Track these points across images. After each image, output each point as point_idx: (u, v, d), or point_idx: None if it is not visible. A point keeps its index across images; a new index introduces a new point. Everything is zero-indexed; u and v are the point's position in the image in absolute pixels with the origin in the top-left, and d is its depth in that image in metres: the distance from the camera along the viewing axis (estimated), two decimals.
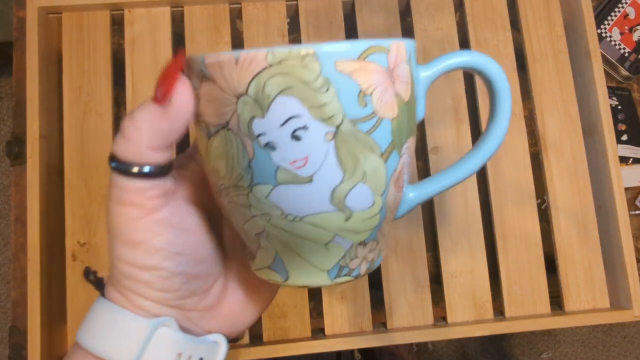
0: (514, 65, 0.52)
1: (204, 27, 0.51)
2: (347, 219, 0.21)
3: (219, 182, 0.22)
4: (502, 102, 0.24)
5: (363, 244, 0.23)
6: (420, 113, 0.24)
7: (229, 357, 0.45)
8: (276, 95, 0.19)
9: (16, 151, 0.50)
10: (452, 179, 0.26)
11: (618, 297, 0.49)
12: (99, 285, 0.25)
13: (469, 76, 0.52)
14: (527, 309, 0.49)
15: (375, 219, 0.22)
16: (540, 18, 0.53)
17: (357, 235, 0.22)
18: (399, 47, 0.21)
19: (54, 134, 0.50)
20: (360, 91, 0.19)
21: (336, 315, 0.48)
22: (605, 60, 0.57)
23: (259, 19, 0.51)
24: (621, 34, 0.58)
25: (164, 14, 0.51)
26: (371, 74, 0.20)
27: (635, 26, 0.59)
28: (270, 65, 0.19)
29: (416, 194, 0.26)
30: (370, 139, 0.20)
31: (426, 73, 0.23)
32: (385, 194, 0.22)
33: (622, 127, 0.58)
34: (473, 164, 0.25)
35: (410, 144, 0.23)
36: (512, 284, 0.49)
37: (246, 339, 0.47)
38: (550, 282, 0.49)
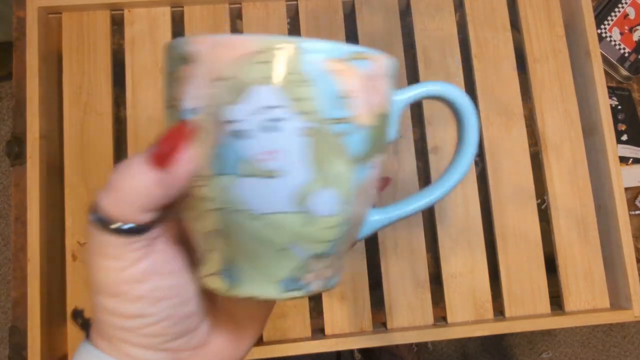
0: (514, 65, 0.52)
1: (204, 27, 0.51)
2: (307, 223, 0.20)
3: None
4: (469, 134, 0.24)
5: (319, 257, 0.22)
6: (392, 134, 0.23)
7: None
8: (255, 83, 0.19)
9: (16, 151, 0.50)
10: (416, 205, 0.25)
11: (618, 297, 0.49)
12: (86, 327, 0.24)
13: (469, 77, 0.52)
14: (527, 309, 0.49)
15: (336, 229, 0.21)
16: (540, 18, 0.53)
17: (315, 245, 0.21)
18: (383, 61, 0.21)
19: (54, 134, 0.50)
20: (341, 92, 0.19)
21: (336, 315, 0.48)
22: (605, 60, 0.57)
23: (259, 19, 0.51)
24: (621, 34, 0.58)
25: (164, 14, 0.51)
26: (353, 78, 0.20)
27: (635, 26, 0.59)
28: (255, 52, 0.19)
29: (380, 217, 0.25)
30: (343, 143, 0.20)
31: (400, 97, 0.23)
32: (351, 205, 0.21)
33: (622, 127, 0.58)
34: (438, 192, 0.25)
35: (379, 161, 0.22)
36: (512, 284, 0.49)
37: None
38: (550, 282, 0.49)
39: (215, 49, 0.19)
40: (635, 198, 0.57)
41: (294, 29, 0.54)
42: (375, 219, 0.25)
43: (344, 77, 0.19)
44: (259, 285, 0.21)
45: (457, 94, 0.24)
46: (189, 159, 0.20)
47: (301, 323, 0.47)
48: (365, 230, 0.25)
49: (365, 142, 0.21)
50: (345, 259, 0.48)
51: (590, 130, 0.52)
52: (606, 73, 0.57)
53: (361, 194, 0.22)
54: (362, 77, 0.20)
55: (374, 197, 0.24)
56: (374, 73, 0.21)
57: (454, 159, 0.25)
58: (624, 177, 0.54)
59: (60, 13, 0.50)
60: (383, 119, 0.22)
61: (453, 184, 0.25)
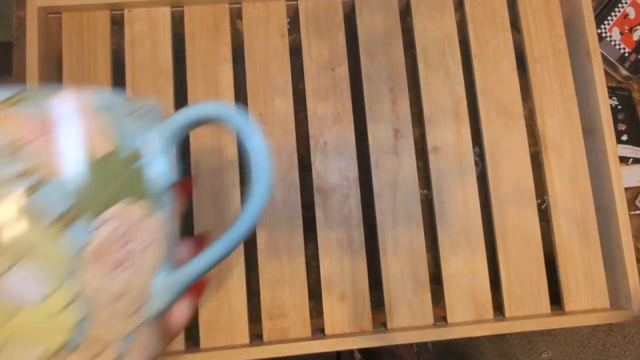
0: (514, 65, 0.52)
1: (204, 27, 0.51)
2: (14, 314, 0.16)
3: None
4: (258, 169, 0.20)
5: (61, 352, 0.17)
6: (161, 174, 0.20)
7: (229, 357, 0.45)
8: None
9: None
10: (206, 264, 0.21)
11: (618, 297, 0.49)
12: None
13: (469, 77, 0.52)
14: (527, 309, 0.49)
15: (67, 314, 0.17)
16: (540, 18, 0.53)
17: (48, 339, 0.17)
18: (67, 98, 0.18)
19: None
20: (8, 143, 0.16)
21: (336, 315, 0.48)
22: (605, 60, 0.57)
23: (259, 19, 0.51)
24: (621, 34, 0.58)
25: (164, 14, 0.51)
26: (19, 125, 0.17)
27: (635, 26, 0.59)
28: None
29: (167, 279, 0.20)
30: (31, 201, 0.16)
31: (160, 131, 0.20)
32: (74, 277, 0.17)
33: (622, 127, 0.58)
34: (226, 246, 0.21)
35: (126, 212, 0.18)
36: (512, 284, 0.49)
37: (246, 339, 0.47)
38: (550, 282, 0.49)
39: None
40: (635, 198, 0.57)
41: (294, 29, 0.54)
42: (164, 281, 0.20)
43: (5, 125, 0.17)
44: None
45: (233, 115, 0.20)
46: None
47: (301, 323, 0.47)
48: (162, 298, 0.20)
49: (78, 194, 0.17)
50: (347, 261, 0.48)
51: (590, 130, 0.52)
52: (606, 73, 0.57)
53: (96, 257, 0.17)
54: (33, 122, 0.17)
55: (154, 257, 0.20)
56: (58, 114, 0.17)
57: (246, 199, 0.20)
58: (624, 177, 0.54)
59: (60, 13, 0.50)
60: (108, 162, 0.18)
61: (244, 232, 0.21)
